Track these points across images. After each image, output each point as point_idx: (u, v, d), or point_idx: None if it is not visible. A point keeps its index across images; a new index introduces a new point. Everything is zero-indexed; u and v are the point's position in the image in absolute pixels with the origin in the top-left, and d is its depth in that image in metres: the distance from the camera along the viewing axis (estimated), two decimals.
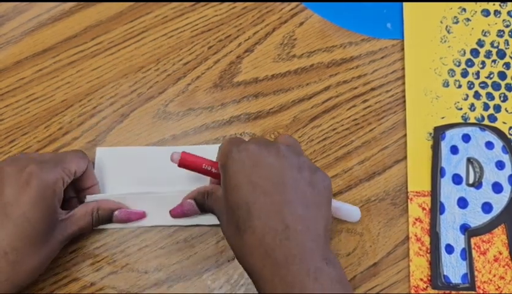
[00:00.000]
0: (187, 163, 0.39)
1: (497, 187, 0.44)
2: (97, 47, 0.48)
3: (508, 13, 0.49)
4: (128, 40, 0.48)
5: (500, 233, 0.44)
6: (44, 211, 0.37)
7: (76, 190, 0.42)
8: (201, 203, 0.40)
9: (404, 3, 0.49)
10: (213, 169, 0.39)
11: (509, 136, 0.46)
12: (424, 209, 0.44)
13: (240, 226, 0.34)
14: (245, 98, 0.47)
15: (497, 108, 0.47)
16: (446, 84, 0.47)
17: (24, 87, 0.47)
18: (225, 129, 0.46)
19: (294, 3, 0.49)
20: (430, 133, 0.46)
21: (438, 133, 0.46)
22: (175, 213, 0.41)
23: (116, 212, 0.41)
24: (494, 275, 0.43)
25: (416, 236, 0.44)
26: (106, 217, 0.41)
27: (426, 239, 0.44)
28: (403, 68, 0.48)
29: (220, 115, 0.46)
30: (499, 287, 0.42)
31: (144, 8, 0.49)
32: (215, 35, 0.48)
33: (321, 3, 0.49)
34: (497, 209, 0.44)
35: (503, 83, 0.47)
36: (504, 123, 0.46)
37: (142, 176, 0.44)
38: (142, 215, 0.42)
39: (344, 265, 0.43)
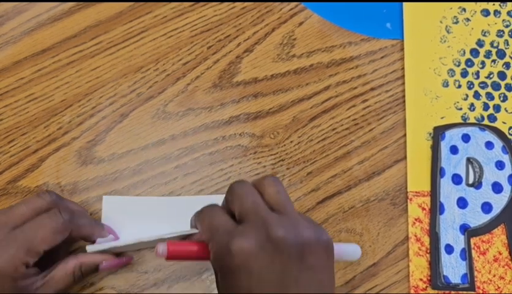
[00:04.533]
0: (175, 254, 0.35)
1: (497, 187, 0.44)
2: (96, 47, 0.48)
3: (508, 13, 0.49)
4: (127, 40, 0.48)
5: (499, 233, 0.44)
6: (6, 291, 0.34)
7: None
8: None
9: (404, 3, 0.49)
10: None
11: (509, 136, 0.46)
12: (423, 209, 0.44)
13: None
14: (244, 98, 0.47)
15: (497, 108, 0.47)
16: (445, 84, 0.47)
17: (24, 87, 0.47)
18: (224, 129, 0.46)
19: (293, 3, 0.49)
20: (430, 133, 0.46)
21: (438, 133, 0.46)
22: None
23: (103, 265, 0.39)
24: (494, 276, 0.43)
25: (415, 236, 0.44)
26: (90, 271, 0.39)
27: (426, 239, 0.44)
28: (402, 68, 0.48)
29: (219, 115, 0.46)
30: (499, 287, 0.42)
31: (144, 8, 0.49)
32: (215, 35, 0.48)
33: (321, 3, 0.49)
34: (497, 209, 0.44)
35: (502, 83, 0.47)
36: (504, 123, 0.46)
37: (150, 226, 0.42)
38: (129, 261, 0.42)
39: (344, 265, 0.43)
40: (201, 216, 0.35)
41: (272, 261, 0.31)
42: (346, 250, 0.39)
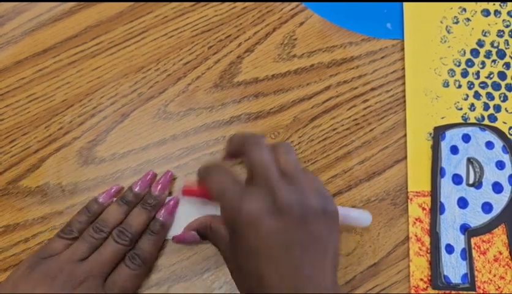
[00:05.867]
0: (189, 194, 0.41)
1: (497, 187, 0.44)
2: (97, 47, 0.48)
3: (508, 13, 0.49)
4: (128, 40, 0.48)
5: (500, 233, 0.44)
6: None
7: None
8: (203, 235, 0.40)
9: (404, 3, 0.49)
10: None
11: (509, 136, 0.46)
12: (424, 209, 0.44)
13: (254, 290, 0.34)
14: (245, 98, 0.47)
15: (497, 108, 0.47)
16: (446, 84, 0.47)
17: (25, 87, 0.47)
18: (225, 129, 0.46)
19: (294, 3, 0.49)
20: (430, 133, 0.46)
21: (438, 133, 0.46)
22: (177, 240, 0.41)
23: None
24: (494, 275, 0.43)
25: (416, 236, 0.44)
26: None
27: (426, 239, 0.44)
28: (403, 68, 0.48)
29: (220, 115, 0.46)
30: (499, 287, 0.43)
31: (145, 8, 0.49)
32: (216, 35, 0.48)
33: (322, 3, 0.50)
34: (497, 209, 0.44)
35: (503, 83, 0.47)
36: (504, 123, 0.46)
37: None
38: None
39: (344, 265, 0.43)
40: (209, 178, 0.37)
41: (278, 224, 0.34)
42: (355, 216, 0.40)
